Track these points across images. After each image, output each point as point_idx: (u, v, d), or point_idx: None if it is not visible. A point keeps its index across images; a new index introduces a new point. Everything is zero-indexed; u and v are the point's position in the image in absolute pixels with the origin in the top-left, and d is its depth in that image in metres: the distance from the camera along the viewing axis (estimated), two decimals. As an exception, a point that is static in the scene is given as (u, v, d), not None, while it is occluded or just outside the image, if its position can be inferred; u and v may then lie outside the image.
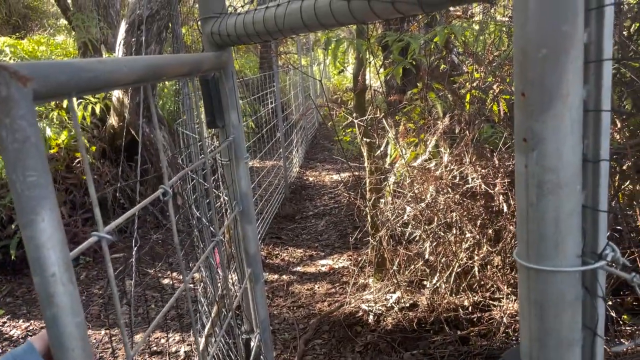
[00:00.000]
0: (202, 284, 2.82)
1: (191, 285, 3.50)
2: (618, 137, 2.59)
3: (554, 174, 0.56)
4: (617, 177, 2.74)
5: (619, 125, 2.56)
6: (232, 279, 2.63)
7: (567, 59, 0.54)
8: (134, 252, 2.38)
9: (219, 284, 2.42)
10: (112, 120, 5.19)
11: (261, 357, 1.38)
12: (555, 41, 0.53)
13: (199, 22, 1.29)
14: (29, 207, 0.51)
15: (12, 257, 4.04)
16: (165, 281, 3.93)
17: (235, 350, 2.14)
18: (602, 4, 0.55)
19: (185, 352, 2.92)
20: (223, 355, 2.30)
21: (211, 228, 2.20)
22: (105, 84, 0.64)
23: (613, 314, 2.44)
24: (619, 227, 2.57)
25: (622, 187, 2.74)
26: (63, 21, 10.22)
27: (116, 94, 4.99)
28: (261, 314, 1.38)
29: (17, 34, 10.08)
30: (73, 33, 6.78)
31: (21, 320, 3.48)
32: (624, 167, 2.67)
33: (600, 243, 0.60)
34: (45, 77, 0.52)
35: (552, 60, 0.54)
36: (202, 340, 2.26)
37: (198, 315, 2.75)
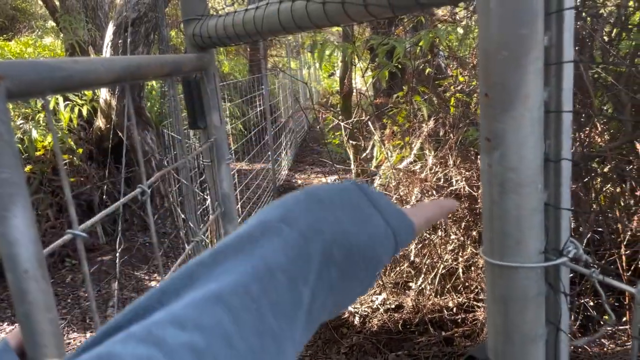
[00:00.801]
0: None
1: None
2: (600, 140, 2.63)
3: (515, 173, 0.58)
4: (598, 180, 2.79)
5: (599, 129, 2.60)
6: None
7: (527, 61, 0.55)
8: (117, 254, 2.38)
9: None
10: (99, 122, 5.16)
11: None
12: (515, 44, 0.55)
13: (181, 24, 1.30)
14: (2, 204, 0.51)
15: (-3, 259, 4.00)
16: (152, 284, 3.91)
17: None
18: (561, 8, 0.57)
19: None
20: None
21: (192, 228, 2.21)
22: (80, 83, 0.65)
23: (594, 314, 2.48)
24: (600, 229, 2.60)
25: (604, 189, 2.78)
26: (51, 23, 10.16)
27: (103, 96, 4.97)
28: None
29: (5, 35, 10.00)
30: (61, 35, 6.75)
31: (6, 324, 3.45)
32: (605, 170, 2.72)
33: (563, 240, 0.62)
34: (17, 76, 0.53)
35: (513, 63, 0.55)
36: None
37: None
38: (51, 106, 4.87)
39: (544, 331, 0.64)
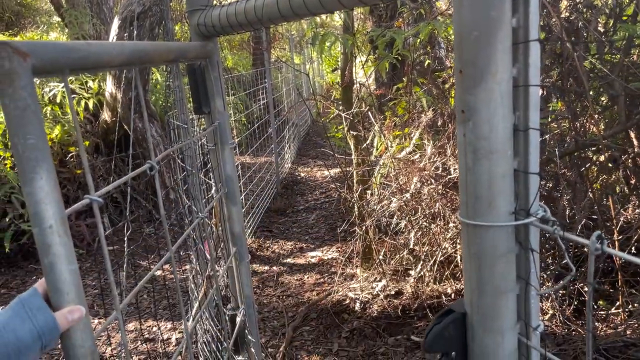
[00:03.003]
0: (192, 272, 2.90)
1: (182, 276, 3.58)
2: (595, 129, 2.68)
3: (487, 141, 0.65)
4: (594, 168, 2.85)
5: (595, 119, 2.65)
6: (219, 262, 2.71)
7: (496, 40, 0.62)
8: (126, 244, 2.46)
9: (207, 266, 2.50)
10: (105, 115, 5.25)
11: (246, 331, 1.46)
12: (485, 25, 0.62)
13: (186, 14, 1.37)
14: (29, 167, 0.59)
15: (7, 249, 4.10)
16: (158, 273, 4.00)
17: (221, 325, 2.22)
18: (528, -7, 0.63)
19: (176, 339, 3.00)
20: (211, 332, 2.38)
21: (194, 208, 2.28)
22: (94, 64, 0.72)
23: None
24: (594, 217, 2.66)
25: (599, 178, 2.84)
26: (56, 18, 10.24)
27: (109, 89, 5.05)
28: (245, 291, 1.46)
29: (10, 31, 10.09)
30: (66, 30, 6.83)
31: (15, 311, 3.54)
32: (601, 159, 2.77)
33: (531, 203, 0.69)
34: (41, 54, 0.60)
35: (483, 42, 0.62)
36: (190, 320, 2.34)
37: (189, 303, 2.83)
38: (58, 99, 4.95)
39: (514, 285, 0.71)
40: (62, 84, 4.85)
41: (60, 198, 0.62)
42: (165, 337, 3.03)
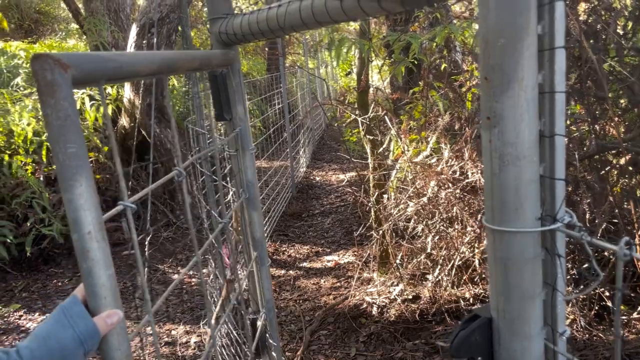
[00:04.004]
0: (211, 276, 2.92)
1: (203, 279, 3.60)
2: (614, 132, 2.65)
3: (513, 148, 0.65)
4: (614, 172, 2.81)
5: (615, 121, 2.62)
6: (239, 265, 2.73)
7: (523, 47, 0.63)
8: (146, 247, 2.49)
9: (227, 271, 2.52)
10: (124, 121, 5.31)
11: (267, 335, 1.48)
12: (511, 31, 0.62)
13: (208, 23, 1.39)
14: (69, 174, 0.60)
15: (28, 253, 4.17)
16: (175, 276, 4.03)
17: (242, 330, 2.23)
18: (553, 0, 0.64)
19: (195, 342, 3.02)
20: (231, 335, 2.40)
21: (215, 218, 2.31)
22: (127, 73, 0.74)
23: (610, 304, 2.51)
24: (615, 221, 2.63)
25: (620, 181, 2.80)
26: (74, 25, 10.41)
27: (127, 95, 5.11)
28: (266, 295, 1.47)
29: (30, 38, 10.29)
30: (84, 37, 6.94)
31: (37, 314, 3.60)
32: (621, 162, 2.74)
33: (558, 208, 0.69)
34: (80, 65, 0.62)
35: (510, 48, 0.63)
36: (219, 323, 2.37)
37: (208, 306, 2.85)
38: (77, 106, 5.02)
39: (540, 291, 0.71)
40: (81, 91, 4.93)
41: (98, 204, 0.64)
42: (183, 340, 3.06)
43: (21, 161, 4.33)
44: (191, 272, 4.00)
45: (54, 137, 0.58)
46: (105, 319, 0.64)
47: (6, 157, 4.28)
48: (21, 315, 3.59)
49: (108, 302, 0.65)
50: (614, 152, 2.68)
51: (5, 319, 3.54)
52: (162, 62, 0.83)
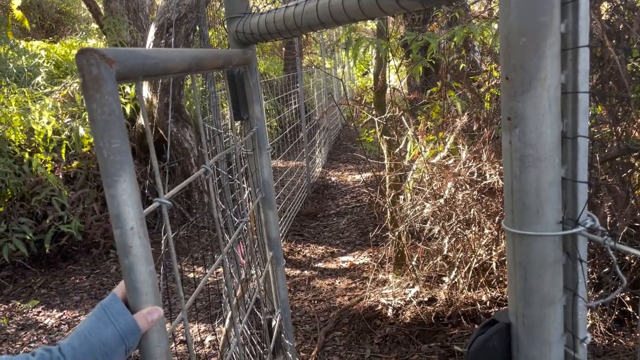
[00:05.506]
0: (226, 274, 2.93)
1: (216, 279, 3.62)
2: (637, 134, 2.60)
3: (534, 149, 0.63)
4: (636, 174, 2.76)
5: (638, 123, 2.57)
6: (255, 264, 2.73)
7: (545, 46, 0.61)
8: (162, 246, 2.51)
9: (243, 271, 2.52)
10: (141, 120, 5.36)
11: (282, 334, 1.47)
12: (534, 30, 0.61)
13: (225, 22, 1.39)
14: (113, 169, 0.60)
15: (47, 250, 4.23)
16: (190, 275, 4.06)
17: (257, 329, 2.23)
18: (577, -2, 0.62)
19: (210, 341, 3.03)
20: (247, 335, 2.40)
21: (231, 218, 2.31)
22: (163, 70, 0.73)
23: (630, 309, 2.46)
24: (636, 224, 2.58)
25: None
26: (94, 25, 10.54)
27: (145, 94, 5.16)
28: (282, 295, 1.47)
29: (51, 37, 10.45)
30: (104, 37, 7.02)
31: (55, 310, 3.65)
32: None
33: (580, 212, 0.67)
34: (123, 61, 0.61)
35: (532, 47, 0.61)
36: (226, 322, 2.37)
37: (222, 305, 2.86)
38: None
39: (561, 296, 0.69)
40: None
41: (140, 200, 0.64)
42: (199, 339, 3.07)
43: (41, 159, 4.39)
44: (206, 271, 4.02)
45: (99, 133, 0.58)
46: (146, 315, 0.64)
47: (26, 155, 4.35)
48: (39, 312, 3.65)
49: (149, 298, 0.65)
50: (636, 154, 2.63)
51: (24, 315, 3.60)
52: (191, 60, 0.83)
